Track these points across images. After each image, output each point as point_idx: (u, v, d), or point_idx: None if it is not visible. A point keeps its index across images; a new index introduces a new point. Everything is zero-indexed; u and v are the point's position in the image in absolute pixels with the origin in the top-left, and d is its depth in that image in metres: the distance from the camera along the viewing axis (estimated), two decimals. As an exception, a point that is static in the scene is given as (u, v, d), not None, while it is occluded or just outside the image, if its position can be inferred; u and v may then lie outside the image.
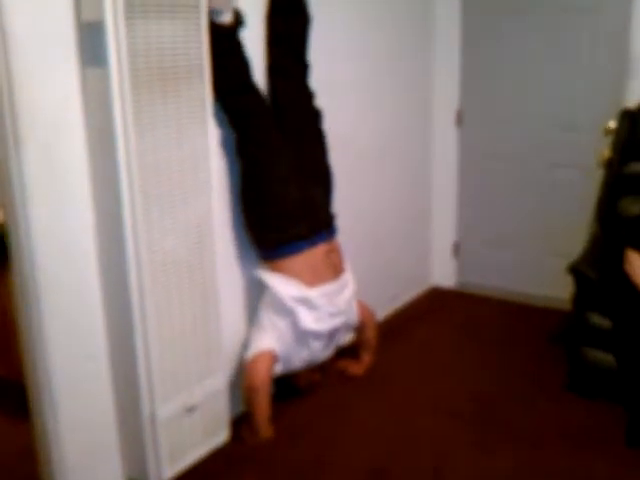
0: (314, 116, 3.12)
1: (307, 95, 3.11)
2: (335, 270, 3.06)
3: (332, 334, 3.11)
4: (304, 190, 2.96)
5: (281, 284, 2.91)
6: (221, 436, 2.84)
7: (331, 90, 3.32)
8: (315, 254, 2.97)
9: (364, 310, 3.37)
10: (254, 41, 2.92)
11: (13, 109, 2.10)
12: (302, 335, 2.97)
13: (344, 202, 3.31)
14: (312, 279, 2.95)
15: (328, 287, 3.01)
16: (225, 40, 2.69)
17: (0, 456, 2.92)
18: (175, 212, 2.46)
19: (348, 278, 3.17)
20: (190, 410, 2.64)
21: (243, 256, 3.05)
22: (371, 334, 3.48)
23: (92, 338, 2.47)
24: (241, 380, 2.94)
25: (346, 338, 3.38)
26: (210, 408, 2.74)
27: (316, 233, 2.99)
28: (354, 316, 3.25)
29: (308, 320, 2.94)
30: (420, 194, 4.56)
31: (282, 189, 2.90)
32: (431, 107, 4.50)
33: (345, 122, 3.55)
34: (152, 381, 2.48)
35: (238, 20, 2.76)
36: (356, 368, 3.49)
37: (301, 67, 3.09)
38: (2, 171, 2.17)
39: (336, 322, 3.07)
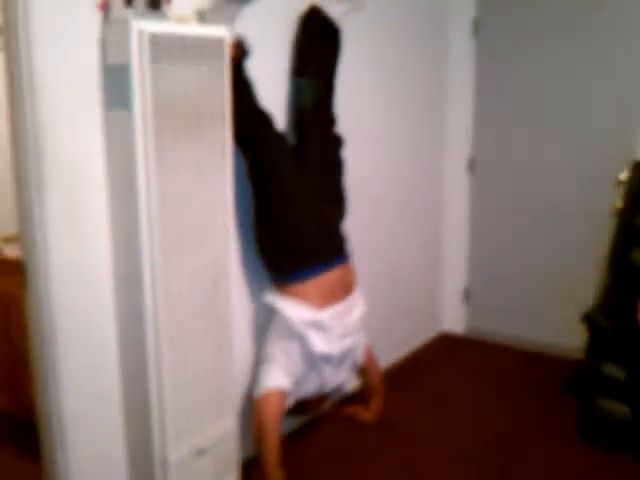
0: (335, 142, 3.14)
1: (330, 121, 3.14)
2: (345, 289, 3.03)
3: (342, 358, 3.07)
4: (321, 215, 2.96)
5: (292, 308, 2.88)
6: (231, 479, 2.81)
7: (349, 138, 3.33)
8: (330, 276, 2.95)
9: (367, 353, 3.35)
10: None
11: (38, 154, 2.13)
12: (313, 360, 2.94)
13: (356, 248, 3.32)
14: (323, 300, 2.92)
15: (338, 307, 2.97)
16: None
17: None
18: (193, 255, 2.46)
19: (357, 298, 3.14)
20: (201, 452, 2.62)
21: (253, 288, 3.04)
22: (376, 378, 3.47)
23: (105, 379, 2.46)
24: (251, 420, 2.92)
25: (352, 384, 3.33)
26: (221, 450, 2.71)
27: (333, 256, 2.98)
28: (362, 344, 3.21)
29: (319, 343, 2.90)
30: (431, 240, 4.58)
31: (299, 215, 2.88)
32: (443, 155, 4.55)
33: (361, 170, 3.56)
34: (164, 423, 2.45)
35: (244, 50, 2.71)
36: (367, 414, 3.46)
37: (329, 93, 3.12)
38: (24, 212, 2.20)
39: (346, 343, 3.03)
